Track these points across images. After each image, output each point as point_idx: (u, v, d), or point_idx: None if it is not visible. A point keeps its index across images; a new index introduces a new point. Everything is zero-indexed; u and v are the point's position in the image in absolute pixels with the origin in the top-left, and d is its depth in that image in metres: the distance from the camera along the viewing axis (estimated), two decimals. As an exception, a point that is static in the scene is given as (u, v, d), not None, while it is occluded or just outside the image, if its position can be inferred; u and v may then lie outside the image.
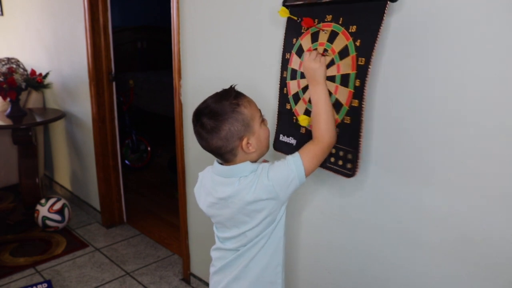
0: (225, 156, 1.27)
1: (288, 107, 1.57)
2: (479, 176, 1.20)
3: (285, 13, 1.47)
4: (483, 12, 1.13)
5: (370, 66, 1.26)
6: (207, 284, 2.35)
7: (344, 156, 1.37)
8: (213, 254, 1.43)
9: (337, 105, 1.36)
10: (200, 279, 2.39)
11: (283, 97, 1.59)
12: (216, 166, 1.33)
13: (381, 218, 1.47)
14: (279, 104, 1.62)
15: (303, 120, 1.43)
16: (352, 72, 1.30)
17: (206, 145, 1.27)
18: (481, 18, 1.14)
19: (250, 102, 1.29)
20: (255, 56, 1.80)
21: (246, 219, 1.29)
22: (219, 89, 1.98)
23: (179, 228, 2.48)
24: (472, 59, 1.16)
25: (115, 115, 3.08)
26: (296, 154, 1.28)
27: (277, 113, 1.64)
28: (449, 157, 1.25)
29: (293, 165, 1.25)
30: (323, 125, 1.30)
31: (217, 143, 1.24)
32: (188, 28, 2.08)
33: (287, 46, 1.56)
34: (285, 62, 1.57)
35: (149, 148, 4.40)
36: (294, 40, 1.52)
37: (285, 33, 1.56)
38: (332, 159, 1.41)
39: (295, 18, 1.48)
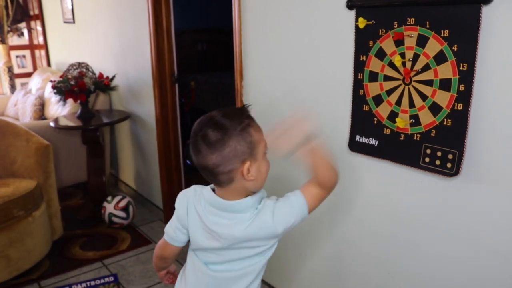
0: (219, 177, 1.11)
1: (366, 108, 1.57)
2: None
3: (363, 23, 1.49)
4: None
5: (475, 72, 1.24)
6: None
7: (443, 156, 1.36)
8: (191, 275, 1.28)
9: (435, 108, 1.36)
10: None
11: (358, 99, 1.60)
12: (209, 195, 1.18)
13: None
14: (353, 105, 1.63)
15: (400, 122, 1.45)
16: (454, 77, 1.29)
17: (202, 161, 1.10)
18: None
19: (260, 129, 1.13)
20: (319, 56, 1.77)
21: (235, 253, 1.18)
22: (281, 90, 1.99)
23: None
24: None
25: (177, 115, 3.15)
26: (300, 195, 1.14)
27: (350, 114, 1.64)
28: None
29: (298, 209, 1.13)
30: (330, 174, 1.15)
31: (216, 160, 1.07)
32: (249, 29, 2.09)
33: (362, 48, 1.54)
34: (360, 64, 1.56)
35: (209, 149, 4.46)
36: (371, 42, 1.51)
37: (357, 35, 1.54)
38: (427, 159, 1.40)
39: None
